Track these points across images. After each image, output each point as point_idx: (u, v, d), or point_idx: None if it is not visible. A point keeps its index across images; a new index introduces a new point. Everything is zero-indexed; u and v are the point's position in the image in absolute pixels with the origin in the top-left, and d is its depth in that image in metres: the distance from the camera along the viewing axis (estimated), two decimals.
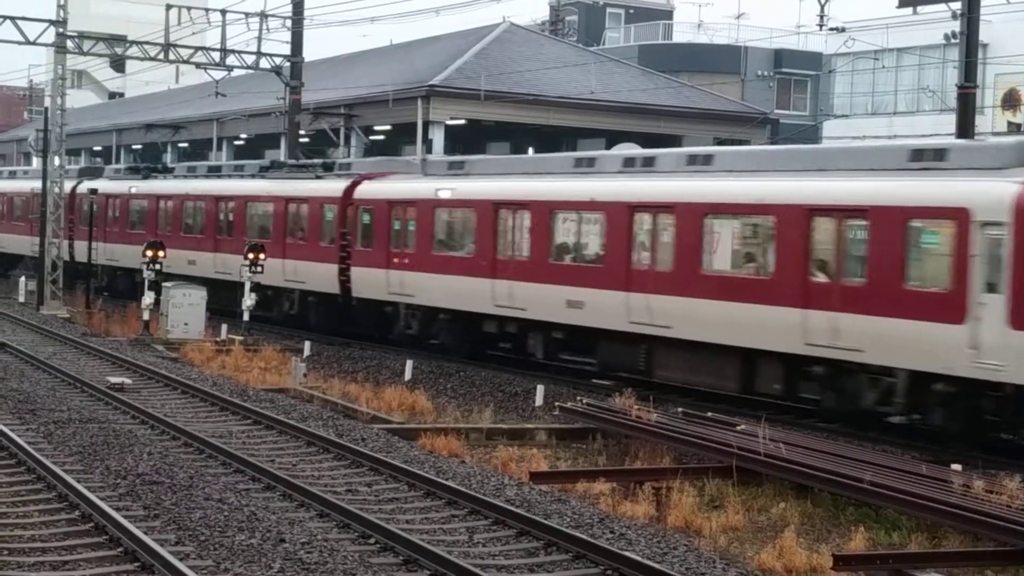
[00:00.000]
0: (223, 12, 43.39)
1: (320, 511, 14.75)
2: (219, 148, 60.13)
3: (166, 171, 46.00)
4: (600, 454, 20.50)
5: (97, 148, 74.04)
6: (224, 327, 33.79)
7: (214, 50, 43.67)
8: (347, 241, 33.13)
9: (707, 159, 24.86)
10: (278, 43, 45.05)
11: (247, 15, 43.35)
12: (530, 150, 51.56)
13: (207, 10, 52.99)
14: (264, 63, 44.15)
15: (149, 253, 34.24)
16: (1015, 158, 19.71)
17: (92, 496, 14.46)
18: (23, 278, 45.59)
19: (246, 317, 33.85)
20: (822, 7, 35.71)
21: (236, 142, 60.16)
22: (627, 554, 12.89)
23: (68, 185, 47.10)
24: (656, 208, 24.46)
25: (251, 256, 33.70)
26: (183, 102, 64.81)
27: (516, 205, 27.92)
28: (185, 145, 62.97)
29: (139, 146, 68.87)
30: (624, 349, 25.39)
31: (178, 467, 16.86)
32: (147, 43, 43.68)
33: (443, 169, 31.86)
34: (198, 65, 44.75)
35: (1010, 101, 47.55)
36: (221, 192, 39.70)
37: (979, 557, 13.97)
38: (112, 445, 18.31)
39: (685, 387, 24.47)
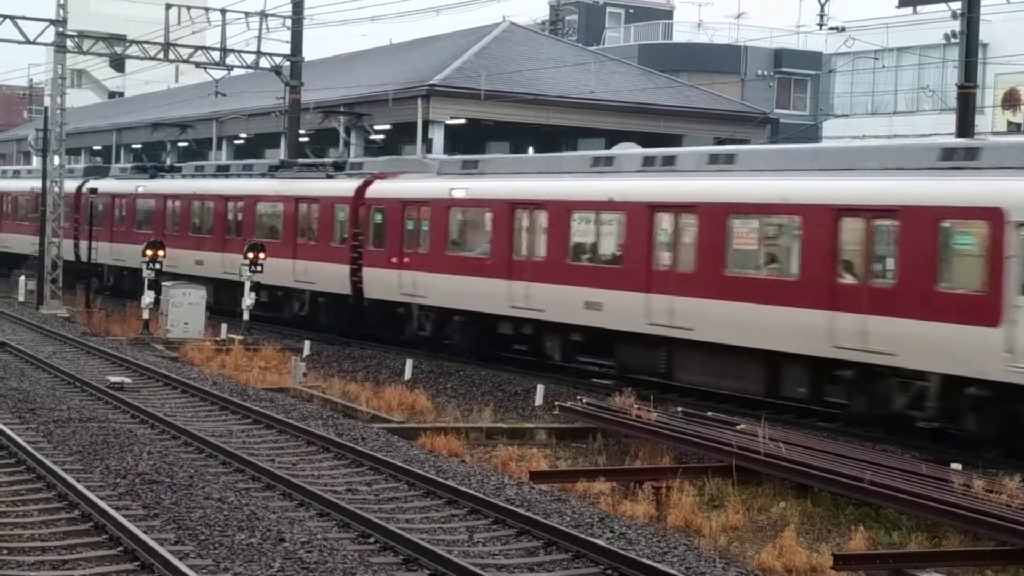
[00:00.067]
0: (223, 11, 43.41)
1: (320, 510, 14.74)
2: (219, 147, 60.13)
3: (173, 170, 45.54)
4: (600, 453, 20.50)
5: (97, 147, 74.03)
6: (224, 327, 33.79)
7: (214, 49, 43.66)
8: (359, 241, 32.73)
9: (729, 158, 24.36)
10: (278, 42, 45.09)
11: (247, 14, 43.38)
12: (530, 150, 51.59)
13: (207, 9, 52.94)
14: (264, 62, 44.15)
15: (149, 252, 34.25)
16: None
17: (92, 495, 14.45)
18: (23, 277, 45.57)
19: (246, 316, 33.83)
20: (822, 7, 35.73)
21: (236, 141, 60.17)
22: (627, 554, 12.88)
23: (73, 184, 47.11)
24: (677, 208, 24.01)
25: (251, 255, 33.65)
26: (183, 101, 64.80)
27: (533, 205, 27.49)
28: (186, 144, 62.95)
29: (139, 145, 68.90)
30: (643, 351, 24.96)
31: (178, 466, 16.85)
32: (147, 42, 43.67)
33: (456, 168, 31.42)
34: (198, 64, 44.69)
35: (1010, 101, 47.52)
36: (230, 192, 39.31)
37: (979, 556, 13.96)
38: (112, 444, 18.30)
39: (707, 391, 24.00)
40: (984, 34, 35.74)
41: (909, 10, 38.40)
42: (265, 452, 18.49)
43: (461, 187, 29.69)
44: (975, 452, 19.21)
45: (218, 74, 47.86)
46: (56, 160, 42.10)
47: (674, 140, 48.32)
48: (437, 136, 46.56)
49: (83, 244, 45.80)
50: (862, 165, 21.64)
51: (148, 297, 33.68)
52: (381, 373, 28.71)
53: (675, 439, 19.47)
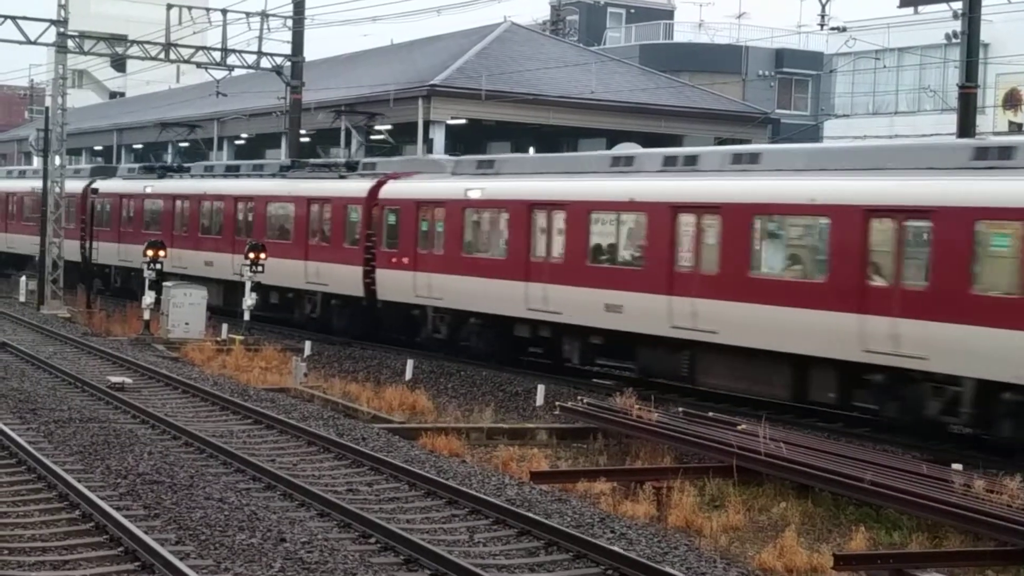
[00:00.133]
0: (224, 12, 43.44)
1: (321, 511, 14.74)
2: (219, 148, 60.13)
3: (181, 170, 44.99)
4: (601, 454, 20.49)
5: (98, 148, 74.05)
6: (225, 327, 33.79)
7: (215, 50, 43.68)
8: (372, 243, 32.31)
9: (753, 157, 23.90)
10: (279, 43, 45.14)
11: (248, 15, 43.41)
12: (531, 150, 51.58)
13: (208, 10, 53.01)
14: (265, 63, 44.18)
15: (150, 253, 34.25)
16: None
17: (92, 496, 14.45)
18: (23, 278, 45.58)
19: (247, 317, 33.81)
20: (823, 7, 35.75)
21: (237, 142, 60.17)
22: (628, 554, 12.88)
23: (80, 185, 47.03)
24: (701, 209, 23.54)
25: (251, 256, 33.60)
26: (184, 102, 64.82)
27: (551, 205, 26.97)
28: (186, 145, 62.97)
29: (140, 145, 68.92)
30: (665, 355, 24.54)
31: (178, 467, 16.85)
32: (148, 43, 43.68)
33: (472, 168, 30.94)
34: (199, 65, 44.72)
35: (1011, 101, 47.53)
36: (240, 192, 38.80)
37: (980, 557, 13.96)
38: (112, 445, 18.30)
39: (732, 395, 23.61)
40: (985, 34, 35.72)
41: (910, 10, 38.42)
42: (266, 452, 18.49)
43: (477, 187, 29.23)
44: (1006, 458, 18.92)
45: (219, 74, 47.88)
46: (57, 160, 42.07)
47: (675, 140, 48.29)
48: (438, 136, 46.54)
49: (91, 244, 45.76)
50: (892, 165, 21.13)
51: (149, 297, 33.67)
52: (382, 373, 28.70)
53: (676, 439, 19.46)
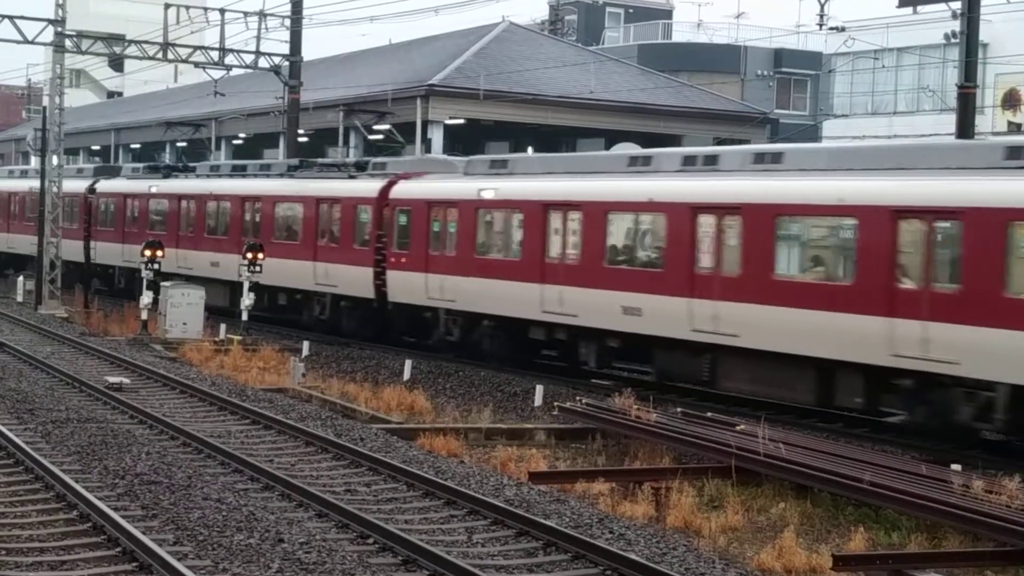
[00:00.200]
0: (222, 11, 43.44)
1: (319, 511, 14.72)
2: (217, 148, 60.12)
3: (187, 170, 44.56)
4: (599, 454, 20.47)
5: (96, 147, 74.04)
6: (223, 327, 33.76)
7: (213, 49, 43.67)
8: (382, 243, 31.93)
9: (776, 157, 23.39)
10: (277, 42, 45.13)
11: (246, 14, 43.42)
12: (529, 149, 51.58)
13: (206, 9, 52.91)
14: (263, 62, 44.19)
15: (147, 252, 34.20)
16: None
17: (90, 496, 14.42)
18: (21, 277, 45.56)
19: (244, 317, 33.75)
20: (822, 7, 35.76)
21: (235, 141, 60.16)
22: (626, 554, 12.86)
23: (84, 185, 46.95)
24: (722, 209, 23.05)
25: (249, 256, 33.54)
26: (182, 101, 64.81)
27: (567, 206, 26.44)
28: (184, 144, 62.97)
29: (138, 145, 68.90)
30: (685, 358, 24.06)
31: (176, 467, 16.82)
32: (146, 42, 43.70)
33: (484, 168, 30.53)
34: (197, 64, 44.69)
35: (1010, 101, 47.54)
36: (247, 192, 38.37)
37: (979, 557, 13.95)
38: (110, 445, 18.28)
39: (755, 400, 23.28)
40: (984, 34, 35.76)
41: (909, 10, 38.39)
42: (264, 452, 18.47)
43: (490, 187, 28.82)
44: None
45: (217, 74, 47.89)
46: (55, 160, 42.04)
47: (674, 140, 48.33)
48: (436, 136, 46.55)
49: (94, 244, 45.67)
50: (921, 164, 20.63)
51: (147, 297, 33.63)
52: (380, 373, 28.68)
53: (674, 440, 19.44)
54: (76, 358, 28.43)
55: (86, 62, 75.14)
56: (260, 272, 33.51)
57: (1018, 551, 13.82)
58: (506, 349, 28.62)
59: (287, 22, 43.77)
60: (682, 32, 68.10)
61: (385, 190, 32.19)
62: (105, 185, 46.37)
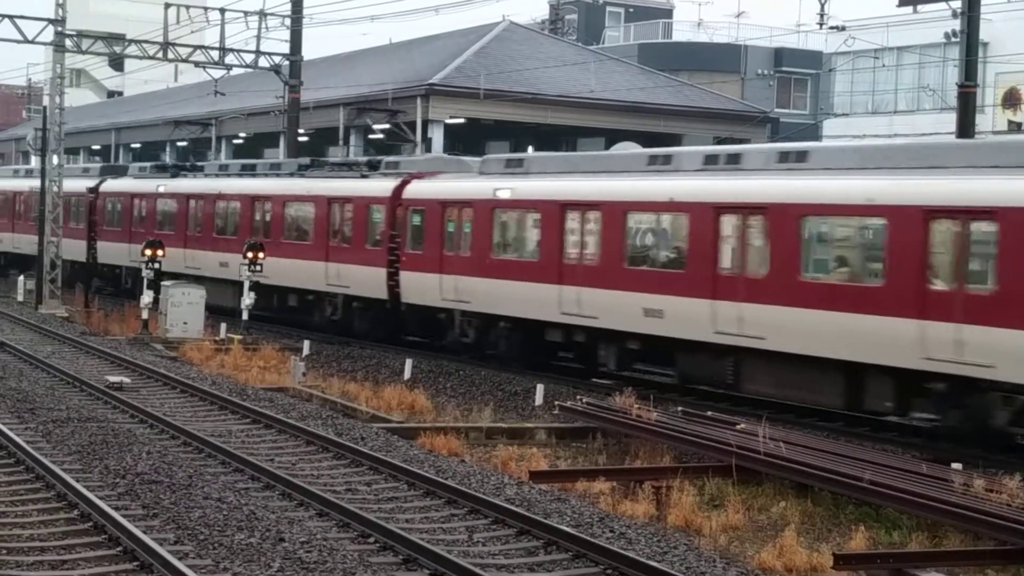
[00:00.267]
0: (222, 11, 43.45)
1: (319, 510, 14.72)
2: (218, 147, 60.14)
3: (195, 169, 44.21)
4: (600, 453, 20.47)
5: (96, 147, 74.04)
6: (223, 326, 33.75)
7: (213, 49, 43.67)
8: (396, 244, 31.56)
9: (801, 156, 22.95)
10: (277, 42, 45.14)
11: (246, 14, 43.43)
12: (529, 149, 51.60)
13: (206, 8, 52.94)
14: (263, 62, 44.19)
15: (148, 252, 34.20)
16: None
17: (91, 495, 14.42)
18: (21, 277, 45.55)
19: (245, 316, 33.72)
20: (822, 6, 35.79)
21: (235, 141, 60.15)
22: (627, 553, 12.86)
23: (89, 184, 46.88)
24: (746, 209, 22.63)
25: (250, 255, 33.48)
26: (182, 101, 64.80)
27: (585, 206, 26.02)
28: (184, 144, 62.99)
29: (138, 144, 68.89)
30: (708, 361, 23.60)
31: (177, 466, 16.83)
32: (146, 42, 43.70)
33: (499, 168, 30.11)
34: (197, 64, 44.70)
35: (1010, 100, 47.50)
36: (257, 191, 37.95)
37: (979, 556, 13.95)
38: (111, 444, 18.28)
39: (780, 402, 22.87)
40: (984, 33, 35.74)
41: (909, 9, 38.34)
42: (264, 452, 18.47)
43: (506, 187, 28.44)
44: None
45: (217, 73, 47.89)
46: (55, 159, 42.03)
47: (674, 139, 48.32)
48: (436, 135, 46.54)
49: (99, 245, 45.56)
50: (953, 163, 20.15)
51: (147, 297, 33.62)
52: (380, 373, 28.67)
53: (675, 439, 19.43)
54: (77, 357, 28.43)
55: (86, 62, 75.13)
56: (260, 271, 33.41)
57: (1019, 550, 13.82)
58: (523, 351, 28.25)
59: (287, 21, 43.79)
60: (682, 31, 68.12)
61: (398, 190, 31.83)
62: (111, 184, 46.22)
